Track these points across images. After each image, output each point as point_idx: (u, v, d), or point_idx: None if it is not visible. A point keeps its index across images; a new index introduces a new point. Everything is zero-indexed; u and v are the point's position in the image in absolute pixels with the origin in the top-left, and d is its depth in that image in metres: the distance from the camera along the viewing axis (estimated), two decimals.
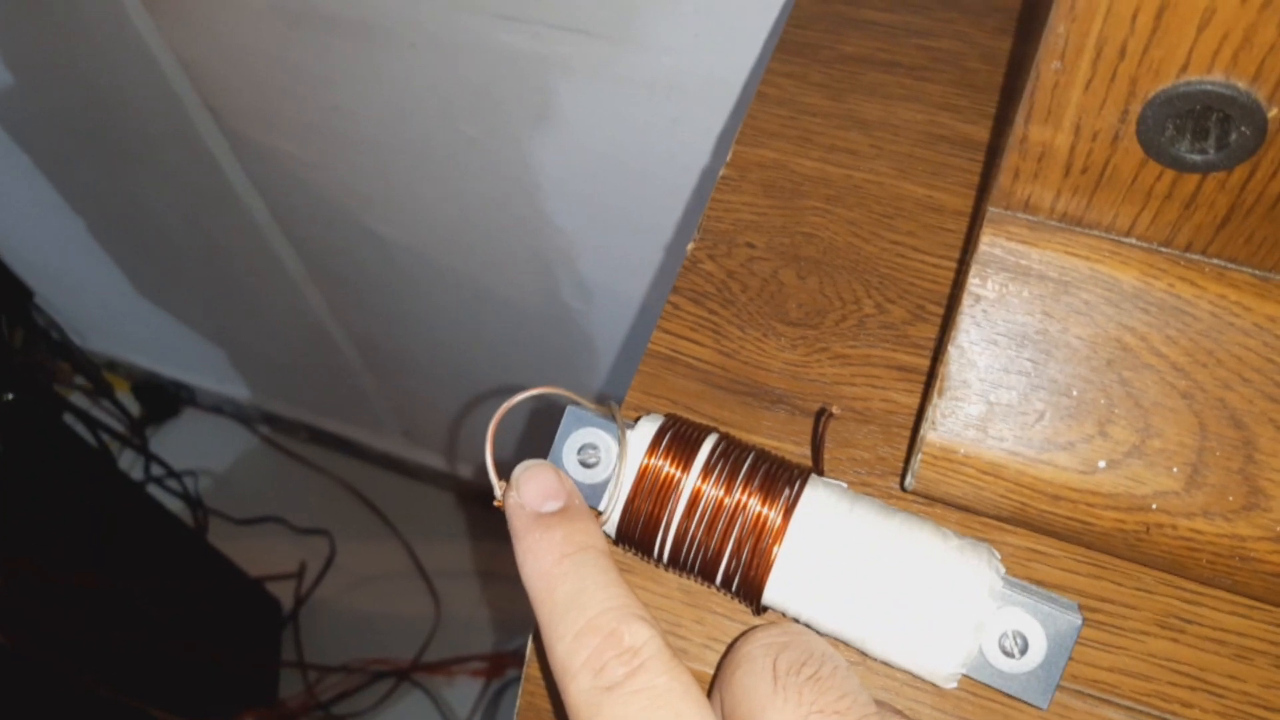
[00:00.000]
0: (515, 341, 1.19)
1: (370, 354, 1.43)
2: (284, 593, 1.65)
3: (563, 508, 0.30)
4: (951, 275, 0.37)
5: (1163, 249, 0.28)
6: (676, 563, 0.31)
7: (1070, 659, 0.30)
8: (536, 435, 1.25)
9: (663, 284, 0.93)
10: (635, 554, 0.32)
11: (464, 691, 1.60)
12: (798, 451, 0.35)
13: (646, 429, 0.31)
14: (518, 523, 0.30)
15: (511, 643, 1.61)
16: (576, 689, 0.26)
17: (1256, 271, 0.28)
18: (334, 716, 1.56)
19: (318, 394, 1.66)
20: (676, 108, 0.74)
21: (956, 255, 0.38)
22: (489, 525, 1.70)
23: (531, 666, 0.33)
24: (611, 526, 0.31)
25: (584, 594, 0.27)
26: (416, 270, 1.13)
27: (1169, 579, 0.31)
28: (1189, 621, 0.31)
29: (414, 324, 1.26)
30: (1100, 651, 0.31)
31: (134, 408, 1.80)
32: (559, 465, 0.32)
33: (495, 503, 0.31)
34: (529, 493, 0.30)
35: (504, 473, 0.31)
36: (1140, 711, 0.30)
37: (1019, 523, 0.30)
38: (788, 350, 0.37)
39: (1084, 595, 0.31)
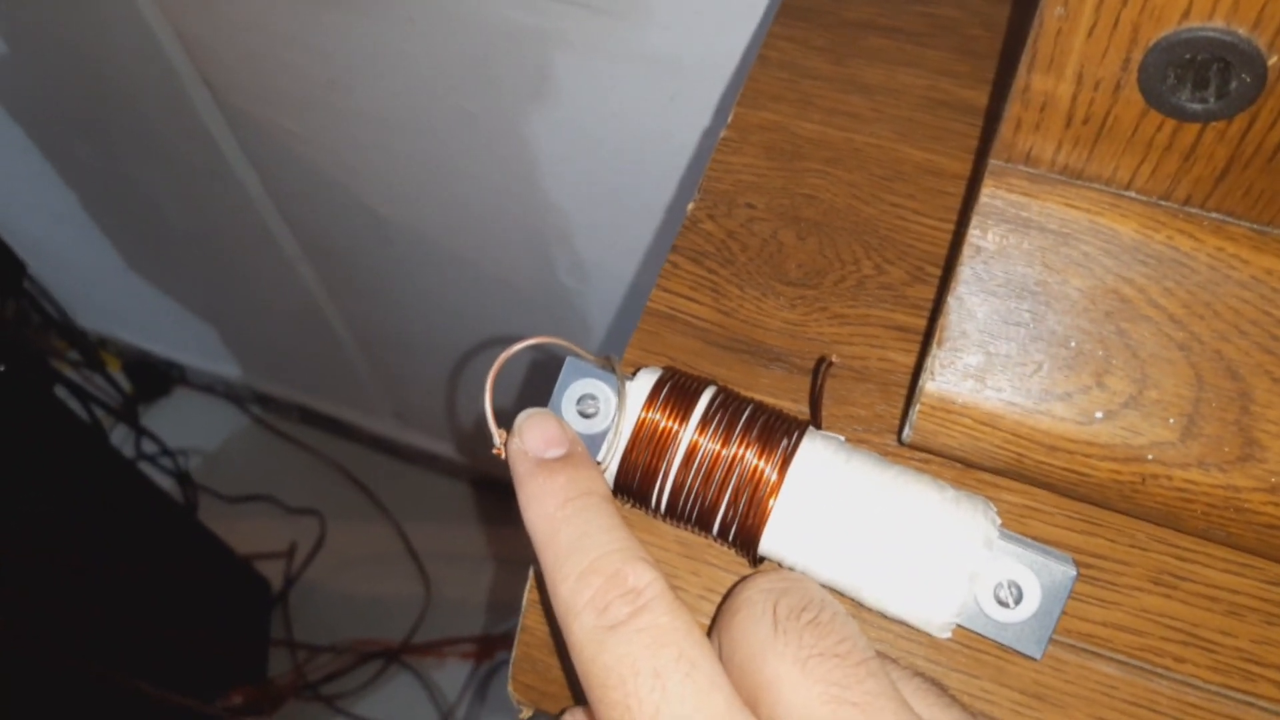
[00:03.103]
0: (510, 323, 1.18)
1: (363, 335, 1.43)
2: (274, 572, 1.65)
3: (565, 454, 0.30)
4: (950, 238, 0.38)
5: (1162, 202, 0.28)
6: (674, 513, 0.31)
7: (1064, 612, 0.30)
8: (534, 389, 1.25)
9: (657, 260, 0.93)
10: (633, 504, 0.32)
11: (453, 673, 1.60)
12: (796, 409, 0.35)
13: (645, 380, 0.32)
14: (521, 468, 0.30)
15: (501, 625, 1.61)
16: (580, 628, 0.26)
17: (1254, 225, 0.28)
18: (323, 696, 1.56)
19: (310, 374, 1.66)
20: (675, 83, 0.74)
21: (955, 218, 0.38)
22: (480, 507, 1.70)
23: (527, 617, 0.34)
24: (610, 476, 0.31)
25: (588, 537, 0.28)
26: (411, 249, 1.12)
27: (1163, 536, 0.32)
28: (1182, 578, 0.31)
29: (408, 305, 1.26)
30: (1093, 606, 0.31)
31: (125, 386, 1.79)
32: (558, 415, 0.32)
33: (495, 450, 0.31)
34: (532, 439, 0.30)
35: (503, 424, 0.31)
36: (1133, 665, 0.30)
37: (1015, 475, 0.31)
38: (786, 309, 0.37)
39: (1078, 552, 0.32)
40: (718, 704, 0.25)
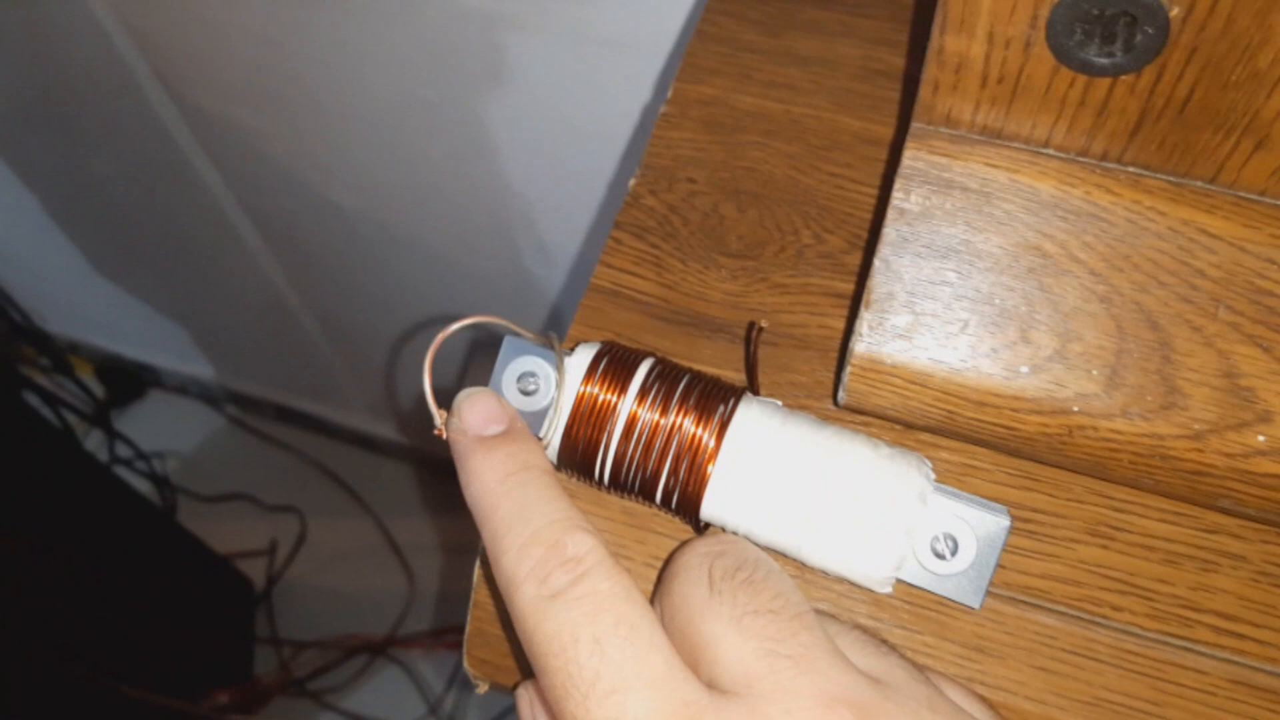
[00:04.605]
0: (478, 310, 1.18)
1: (333, 329, 1.42)
2: (256, 571, 1.65)
3: (504, 430, 0.30)
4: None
5: (1079, 158, 0.29)
6: (617, 484, 0.31)
7: (1000, 564, 0.31)
8: (477, 370, 1.25)
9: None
10: (578, 478, 0.32)
11: (439, 665, 1.61)
12: (738, 379, 0.35)
13: (583, 355, 0.32)
14: (461, 446, 0.30)
15: None
16: (522, 598, 0.27)
17: (1170, 177, 0.28)
18: (310, 692, 1.57)
19: (283, 371, 1.65)
20: (631, 63, 0.74)
21: None
22: (460, 499, 1.69)
23: (479, 592, 0.34)
24: (552, 452, 0.32)
25: (527, 509, 0.28)
26: (376, 240, 1.12)
27: (1099, 489, 0.32)
28: (1118, 529, 0.32)
29: (375, 297, 1.25)
30: (1032, 559, 0.32)
31: (98, 390, 1.78)
32: (499, 394, 0.32)
33: (436, 430, 0.31)
34: (471, 418, 0.31)
35: (445, 404, 0.32)
36: (1072, 615, 0.31)
37: (947, 432, 0.31)
38: (728, 281, 0.37)
39: (1016, 506, 0.32)
40: (656, 665, 0.25)
